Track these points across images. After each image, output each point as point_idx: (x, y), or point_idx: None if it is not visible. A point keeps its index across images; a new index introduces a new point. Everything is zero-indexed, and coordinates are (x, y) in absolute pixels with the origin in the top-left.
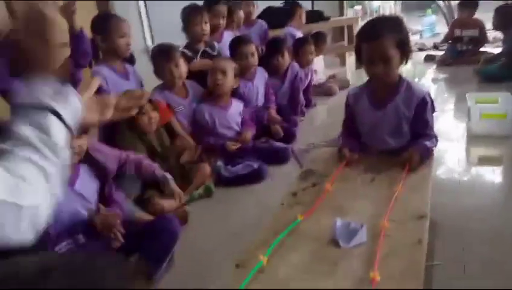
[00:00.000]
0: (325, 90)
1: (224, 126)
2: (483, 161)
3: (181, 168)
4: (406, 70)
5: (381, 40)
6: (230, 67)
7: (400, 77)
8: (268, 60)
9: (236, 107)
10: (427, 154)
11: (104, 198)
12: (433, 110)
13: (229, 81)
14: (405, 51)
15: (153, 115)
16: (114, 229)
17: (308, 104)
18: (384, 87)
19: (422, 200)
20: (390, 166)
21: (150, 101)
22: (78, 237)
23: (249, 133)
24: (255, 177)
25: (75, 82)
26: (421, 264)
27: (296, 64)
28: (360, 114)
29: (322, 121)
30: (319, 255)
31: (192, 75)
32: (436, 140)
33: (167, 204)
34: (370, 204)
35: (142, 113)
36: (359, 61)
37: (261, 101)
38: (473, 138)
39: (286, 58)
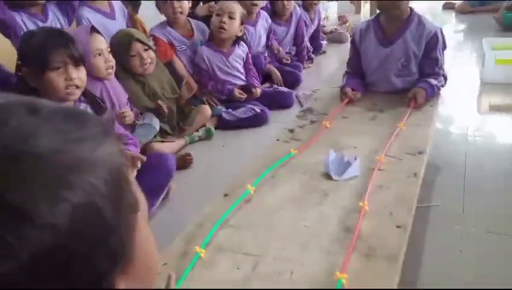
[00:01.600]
0: (336, 37)
1: (224, 72)
2: (494, 108)
3: (181, 109)
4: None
5: None
6: (239, 11)
7: (411, 11)
8: (272, 3)
9: (238, 53)
10: (433, 93)
11: None
12: (444, 47)
13: (235, 26)
14: None
15: (145, 56)
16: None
17: (317, 50)
18: (393, 20)
19: (424, 136)
20: (394, 104)
21: (138, 40)
22: None
23: (259, 90)
24: (257, 120)
25: None
26: (414, 196)
27: (298, 8)
28: (366, 51)
29: (330, 68)
30: (310, 187)
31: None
32: (445, 79)
33: (166, 148)
34: (369, 140)
35: (132, 55)
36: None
37: (261, 46)
38: (486, 85)
39: (291, 2)
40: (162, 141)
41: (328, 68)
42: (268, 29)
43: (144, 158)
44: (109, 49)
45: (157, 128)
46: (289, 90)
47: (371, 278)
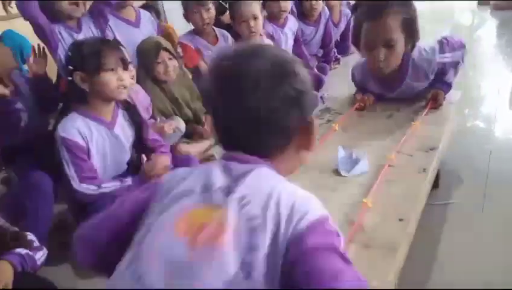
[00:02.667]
0: None
1: None
2: None
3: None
4: (464, 18)
5: (384, 20)
6: (259, 10)
7: (403, 58)
8: (299, 4)
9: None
10: (450, 88)
11: (141, 145)
12: (453, 51)
13: (261, 23)
14: (412, 32)
15: (169, 64)
16: (158, 172)
17: (345, 50)
18: (387, 74)
19: (438, 133)
20: (411, 103)
21: (165, 48)
22: (126, 179)
23: None
24: None
25: None
26: (420, 191)
27: (327, 8)
28: (371, 91)
29: None
30: (319, 183)
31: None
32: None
33: (193, 148)
34: (383, 138)
35: (158, 62)
36: (355, 45)
37: (288, 50)
38: None
39: (319, 2)
40: (188, 143)
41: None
42: (296, 34)
43: (168, 162)
44: (130, 60)
45: (183, 130)
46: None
47: (366, 268)
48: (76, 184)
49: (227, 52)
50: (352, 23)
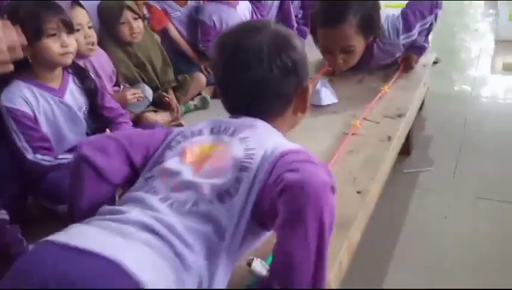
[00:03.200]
0: None
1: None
2: (506, 67)
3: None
4: None
5: (341, 27)
6: None
7: (366, 47)
8: None
9: (244, 3)
10: (422, 53)
11: (97, 114)
12: (422, 19)
13: None
14: (372, 29)
15: (134, 24)
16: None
17: None
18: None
19: (408, 99)
20: (383, 67)
21: (129, 8)
22: None
23: None
24: None
25: None
26: (383, 160)
27: None
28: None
29: None
30: None
31: None
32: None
33: (160, 117)
34: (350, 104)
35: (122, 23)
36: (313, 37)
37: (273, 14)
38: (499, 44)
39: None
40: (155, 111)
41: None
42: None
43: None
44: (90, 24)
45: (151, 98)
46: None
47: None
48: (30, 155)
49: (231, 29)
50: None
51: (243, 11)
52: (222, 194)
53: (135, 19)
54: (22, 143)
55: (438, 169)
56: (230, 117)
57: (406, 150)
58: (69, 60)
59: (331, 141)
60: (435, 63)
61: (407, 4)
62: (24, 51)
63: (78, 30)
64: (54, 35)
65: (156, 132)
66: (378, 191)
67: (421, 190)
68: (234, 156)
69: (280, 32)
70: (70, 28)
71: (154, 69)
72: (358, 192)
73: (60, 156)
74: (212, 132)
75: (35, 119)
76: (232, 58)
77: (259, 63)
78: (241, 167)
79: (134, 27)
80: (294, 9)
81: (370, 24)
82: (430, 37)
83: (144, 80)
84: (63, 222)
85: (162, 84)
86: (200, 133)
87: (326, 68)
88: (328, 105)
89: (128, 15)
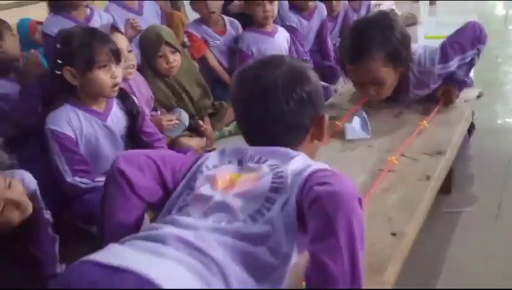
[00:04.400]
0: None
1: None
2: None
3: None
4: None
5: (367, 62)
6: None
7: (400, 77)
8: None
9: (282, 33)
10: (463, 87)
11: (135, 137)
12: (462, 53)
13: (276, 8)
14: (400, 61)
15: (171, 59)
16: None
17: None
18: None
19: (448, 135)
20: (422, 100)
21: (167, 43)
22: None
23: None
24: None
25: None
26: (421, 201)
27: (346, 1)
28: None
29: None
30: None
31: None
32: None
33: (195, 143)
34: (388, 139)
35: (159, 56)
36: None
37: (309, 45)
38: None
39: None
40: (190, 136)
41: None
42: (322, 24)
43: None
44: (130, 49)
45: (187, 124)
46: (328, 84)
47: None
48: (69, 178)
49: (249, 64)
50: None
51: (280, 40)
52: (254, 215)
53: (173, 52)
54: (62, 166)
55: (480, 209)
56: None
57: (446, 188)
58: (116, 91)
59: (366, 177)
60: (478, 97)
61: (448, 36)
62: (75, 79)
63: None
64: (104, 66)
65: (188, 155)
66: (414, 233)
67: (461, 229)
68: (264, 179)
69: (295, 67)
70: (119, 58)
71: (190, 98)
72: (393, 234)
73: (96, 179)
74: (239, 162)
75: (76, 142)
76: (250, 94)
77: (276, 98)
78: (271, 188)
79: (171, 61)
80: (333, 37)
81: (397, 54)
82: (472, 73)
83: (180, 107)
84: (96, 241)
85: (199, 110)
86: (229, 163)
87: (364, 100)
88: (361, 139)
89: (166, 49)
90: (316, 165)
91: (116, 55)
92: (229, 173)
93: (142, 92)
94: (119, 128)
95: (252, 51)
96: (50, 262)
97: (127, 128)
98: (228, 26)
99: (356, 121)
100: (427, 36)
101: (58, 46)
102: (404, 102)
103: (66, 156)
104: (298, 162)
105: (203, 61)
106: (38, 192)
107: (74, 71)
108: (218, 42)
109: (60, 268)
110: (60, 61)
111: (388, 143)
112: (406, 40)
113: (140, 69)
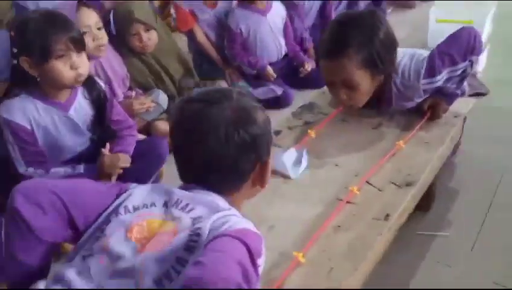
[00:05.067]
0: (402, 1)
1: (262, 38)
2: None
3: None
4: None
5: (342, 60)
6: None
7: (383, 86)
8: None
9: (277, 10)
10: (453, 100)
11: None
12: (452, 65)
13: None
14: (379, 67)
15: (144, 37)
16: (116, 170)
17: None
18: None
19: (424, 161)
20: (407, 111)
21: (139, 20)
22: (78, 166)
23: (309, 65)
24: (277, 103)
25: None
26: (371, 246)
27: None
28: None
29: None
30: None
31: None
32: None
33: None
34: (358, 157)
35: (132, 34)
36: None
37: (310, 20)
38: None
39: None
40: (168, 120)
41: None
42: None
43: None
44: (100, 25)
45: (165, 106)
46: None
47: None
48: (22, 168)
49: (194, 95)
50: None
51: (273, 19)
52: (161, 279)
53: (146, 30)
54: (16, 155)
55: (456, 236)
56: (182, 187)
57: (425, 205)
58: (80, 82)
59: (322, 208)
60: (482, 94)
61: (438, 45)
62: (32, 69)
63: (85, 33)
64: (62, 56)
65: (108, 188)
66: (358, 285)
67: (432, 256)
68: (180, 234)
69: (242, 105)
70: (81, 46)
71: (171, 76)
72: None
73: (52, 170)
74: (165, 205)
75: (32, 132)
76: (189, 128)
77: (216, 138)
78: (185, 246)
79: (145, 40)
80: (339, 12)
81: (378, 59)
82: (465, 83)
83: (158, 87)
84: None
85: (181, 91)
86: (152, 205)
87: (343, 106)
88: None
89: (138, 27)
90: (233, 222)
91: (78, 43)
92: (147, 220)
93: (115, 70)
94: (84, 118)
95: (240, 30)
96: None
97: (94, 117)
98: None
99: (290, 155)
100: (438, 20)
101: (12, 33)
102: (385, 112)
103: (19, 146)
104: (219, 216)
105: (190, 35)
106: None
107: (30, 61)
108: (208, 16)
109: None
110: (15, 50)
111: (357, 163)
112: (389, 46)
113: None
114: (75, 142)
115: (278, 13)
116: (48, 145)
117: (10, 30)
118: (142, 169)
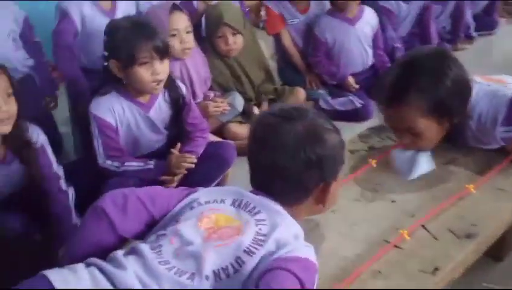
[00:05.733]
0: None
1: (349, 48)
2: None
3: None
4: None
5: (403, 109)
6: None
7: (456, 127)
8: None
9: (368, 18)
10: None
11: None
12: None
13: None
14: (447, 114)
15: (230, 40)
16: (181, 170)
17: (487, 27)
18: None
19: (492, 213)
20: (486, 150)
21: (227, 24)
22: (149, 162)
23: None
24: (356, 116)
25: None
26: None
27: None
28: None
29: (497, 56)
30: None
31: None
32: None
33: (242, 130)
34: (419, 196)
35: (218, 37)
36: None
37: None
38: None
39: None
40: (241, 122)
41: (496, 56)
42: (424, 7)
43: (192, 164)
44: (189, 29)
45: (240, 109)
46: None
47: None
48: (101, 160)
49: (274, 110)
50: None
51: (362, 28)
52: (219, 272)
53: (233, 34)
54: (98, 148)
55: None
56: (252, 191)
57: (497, 253)
58: (159, 89)
59: (364, 248)
60: None
61: None
62: (119, 72)
63: (174, 35)
64: (146, 63)
65: (179, 192)
66: None
67: None
68: (244, 236)
69: (314, 125)
70: (164, 54)
71: (251, 81)
72: None
73: (126, 163)
74: (233, 204)
75: (116, 129)
76: (262, 138)
77: (283, 151)
78: (245, 249)
79: (231, 43)
80: (440, 22)
81: (444, 109)
82: None
83: (238, 91)
84: None
85: (259, 95)
86: (221, 201)
87: None
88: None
89: (226, 30)
90: (293, 247)
91: (161, 52)
92: (216, 214)
93: (199, 71)
94: (162, 118)
95: (326, 39)
96: (65, 215)
97: (171, 117)
98: (312, 5)
99: (410, 156)
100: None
101: (105, 37)
102: (462, 146)
103: (103, 140)
104: (282, 233)
105: (277, 38)
106: (46, 147)
107: (118, 64)
108: (297, 21)
109: (77, 220)
110: (106, 53)
111: (417, 202)
112: (459, 91)
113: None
114: (153, 140)
115: (368, 22)
116: (128, 140)
117: (104, 34)
118: (208, 171)
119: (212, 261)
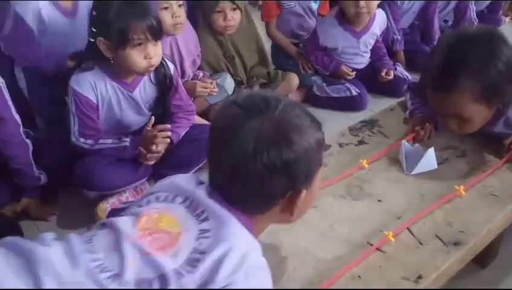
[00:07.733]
0: None
1: (348, 54)
2: None
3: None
4: None
5: (453, 94)
6: None
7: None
8: None
9: (377, 28)
10: None
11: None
12: None
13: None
14: (498, 97)
15: (229, 16)
16: (152, 146)
17: (487, 24)
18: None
19: (485, 220)
20: (487, 148)
21: None
22: (125, 139)
23: (392, 73)
24: (350, 104)
25: None
26: None
27: None
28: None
29: None
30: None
31: None
32: None
33: None
34: (406, 197)
35: (217, 11)
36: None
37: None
38: None
39: None
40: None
41: None
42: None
43: (167, 140)
44: (181, 2)
45: (230, 92)
46: (407, 76)
47: None
48: (74, 138)
49: (240, 98)
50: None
51: (366, 41)
52: (141, 284)
53: (233, 9)
54: (73, 125)
55: None
56: (208, 191)
57: (483, 259)
58: (150, 71)
59: (346, 250)
60: None
61: None
62: (108, 51)
63: (166, 8)
64: (139, 45)
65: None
66: None
67: None
68: (178, 250)
69: (283, 122)
70: (158, 35)
71: (243, 63)
72: None
73: (100, 141)
74: (184, 202)
75: (96, 106)
76: (221, 133)
77: (242, 152)
78: (175, 268)
79: (229, 19)
80: (443, 15)
81: (494, 90)
82: None
83: (230, 72)
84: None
85: (250, 79)
86: (173, 199)
87: (410, 136)
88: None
89: (225, 4)
90: (234, 276)
91: (156, 33)
92: (161, 213)
93: (190, 48)
94: (147, 100)
95: (326, 45)
96: (27, 169)
97: (156, 98)
98: None
99: (414, 150)
100: None
101: (93, 12)
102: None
103: (79, 117)
104: (226, 252)
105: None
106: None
107: (108, 43)
108: (293, 5)
109: (38, 173)
110: (93, 30)
111: (405, 203)
112: (505, 75)
113: (194, 25)
114: (136, 120)
115: (374, 32)
116: (109, 120)
117: (92, 8)
118: (188, 155)
119: (135, 269)
